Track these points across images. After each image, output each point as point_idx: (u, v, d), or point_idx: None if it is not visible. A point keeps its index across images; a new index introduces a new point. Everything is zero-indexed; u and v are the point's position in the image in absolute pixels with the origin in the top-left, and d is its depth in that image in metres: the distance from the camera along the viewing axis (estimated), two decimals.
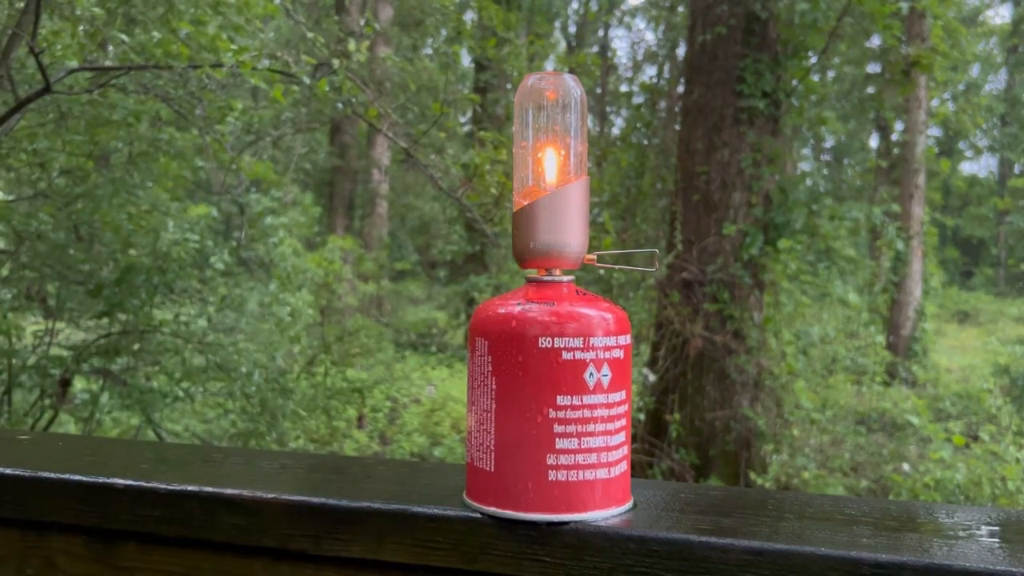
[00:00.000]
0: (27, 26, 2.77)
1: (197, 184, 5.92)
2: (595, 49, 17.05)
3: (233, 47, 2.99)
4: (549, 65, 7.05)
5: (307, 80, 3.13)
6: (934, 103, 10.31)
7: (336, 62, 3.15)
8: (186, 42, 3.09)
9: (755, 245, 4.93)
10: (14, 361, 3.96)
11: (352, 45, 3.24)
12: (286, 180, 6.72)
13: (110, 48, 3.83)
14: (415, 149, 3.38)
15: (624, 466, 0.61)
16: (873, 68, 10.66)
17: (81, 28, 3.13)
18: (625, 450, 0.62)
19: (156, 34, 3.18)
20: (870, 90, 12.02)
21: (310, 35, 3.23)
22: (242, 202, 6.12)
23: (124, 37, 3.27)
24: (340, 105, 3.30)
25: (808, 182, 5.44)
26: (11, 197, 4.35)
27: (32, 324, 4.67)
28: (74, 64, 3.17)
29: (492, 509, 0.60)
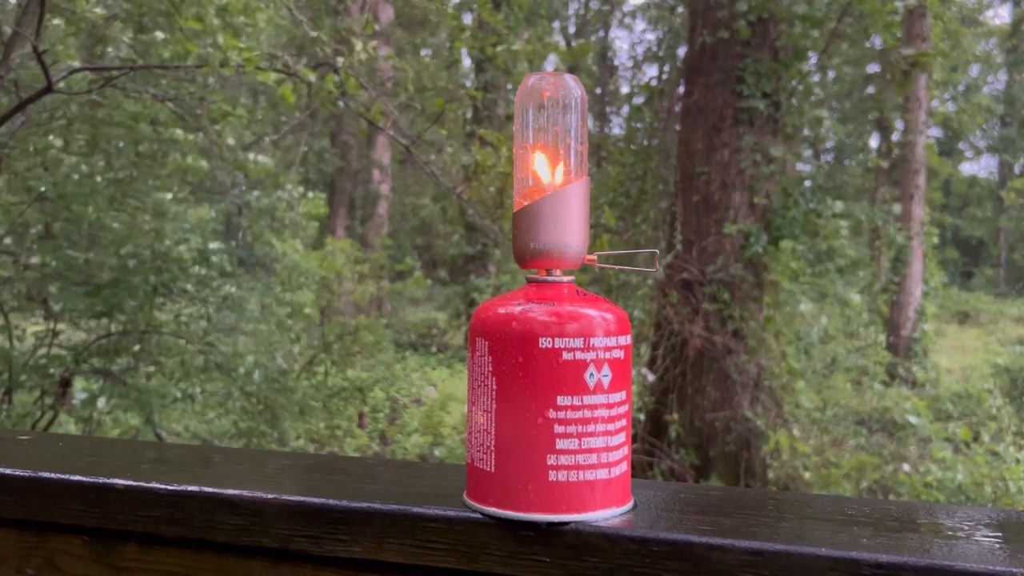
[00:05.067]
0: (30, 26, 2.77)
1: (198, 185, 5.93)
2: (596, 50, 17.05)
3: (241, 46, 2.99)
4: (549, 65, 7.05)
5: (312, 79, 3.13)
6: (934, 103, 10.31)
7: (341, 59, 3.16)
8: (191, 41, 3.10)
9: (756, 245, 4.93)
10: (14, 361, 3.96)
11: (360, 45, 3.25)
12: (292, 179, 6.73)
13: (109, 50, 3.83)
14: (417, 147, 3.38)
15: (624, 466, 0.61)
16: (873, 68, 10.66)
17: (83, 27, 3.14)
18: (625, 450, 0.62)
19: (159, 34, 3.19)
20: (870, 90, 12.02)
21: (313, 34, 3.23)
22: (239, 203, 6.12)
23: (125, 39, 3.28)
24: (341, 104, 3.31)
25: (808, 182, 5.44)
26: (13, 200, 4.36)
27: (33, 325, 4.67)
28: (76, 64, 3.17)
29: (492, 509, 0.60)
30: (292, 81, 3.27)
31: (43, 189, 4.04)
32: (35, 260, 4.31)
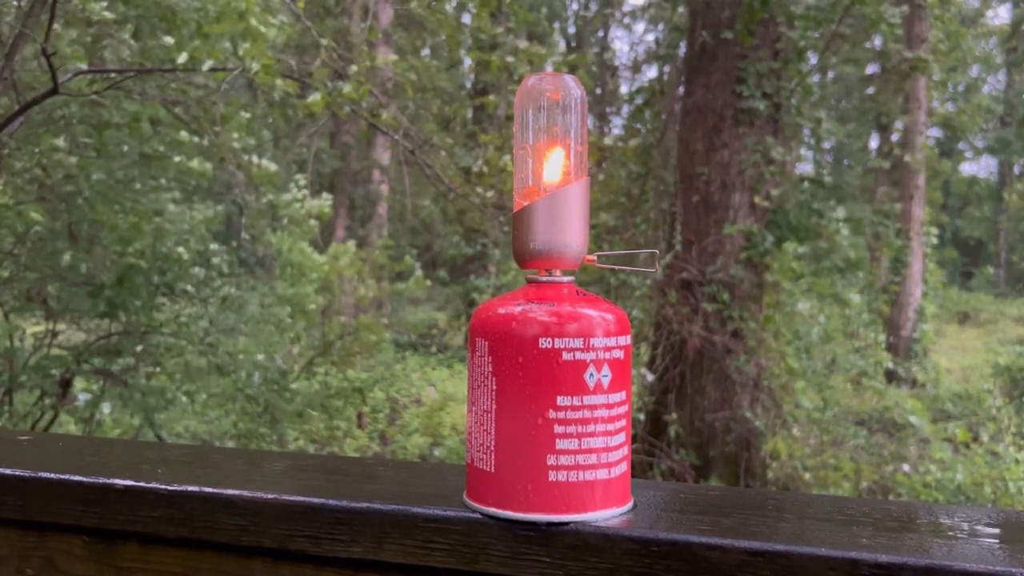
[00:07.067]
0: (39, 27, 2.78)
1: (198, 186, 5.94)
2: (595, 50, 17.07)
3: (268, 56, 3.01)
4: (549, 66, 7.04)
5: (330, 85, 3.16)
6: (934, 104, 10.32)
7: (355, 68, 3.18)
8: (205, 46, 3.11)
9: (756, 245, 4.93)
10: (15, 361, 3.96)
11: (382, 59, 3.29)
12: (301, 180, 6.74)
13: (108, 53, 3.84)
14: (425, 151, 3.41)
15: (624, 466, 0.61)
16: (872, 69, 10.66)
17: (89, 29, 3.15)
18: (625, 450, 0.62)
19: (169, 40, 3.20)
20: (870, 90, 12.02)
21: (324, 42, 3.24)
22: (241, 203, 6.12)
23: (132, 42, 3.29)
24: (348, 109, 3.33)
25: (808, 183, 5.44)
26: (12, 201, 4.36)
27: (33, 325, 4.67)
28: (84, 66, 3.18)
29: (492, 510, 0.60)
30: (299, 86, 3.29)
31: (69, 188, 4.04)
32: (36, 261, 4.31)
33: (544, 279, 0.62)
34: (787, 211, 4.99)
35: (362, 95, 3.21)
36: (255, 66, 2.92)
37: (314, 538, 0.63)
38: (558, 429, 0.58)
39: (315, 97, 3.18)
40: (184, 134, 4.49)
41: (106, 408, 4.16)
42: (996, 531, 0.59)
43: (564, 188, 0.62)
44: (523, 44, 4.62)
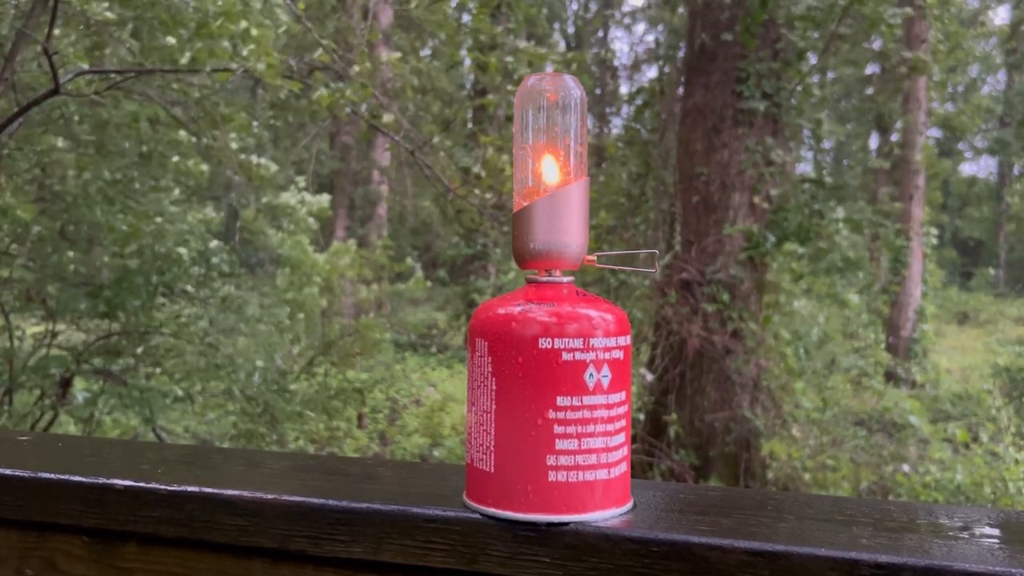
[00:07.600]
0: (40, 28, 2.78)
1: (197, 188, 5.94)
2: (595, 50, 17.06)
3: (273, 55, 3.02)
4: (548, 66, 7.04)
5: (332, 86, 3.17)
6: (934, 104, 10.32)
7: (356, 68, 3.19)
8: (208, 45, 3.12)
9: (756, 246, 4.93)
10: (15, 361, 3.96)
11: (385, 57, 3.31)
12: (301, 181, 6.74)
13: (108, 51, 3.85)
14: (425, 152, 3.41)
15: (624, 467, 0.61)
16: (872, 69, 10.66)
17: (90, 29, 3.15)
18: (625, 451, 0.62)
19: (171, 40, 3.21)
20: (870, 91, 12.03)
21: (323, 42, 3.25)
22: (236, 205, 6.13)
23: (134, 42, 3.30)
24: (349, 110, 3.34)
25: (808, 184, 5.44)
26: (14, 200, 4.36)
27: (33, 325, 4.67)
28: (85, 66, 3.18)
29: (492, 510, 0.60)
30: (299, 84, 3.30)
31: (58, 187, 4.04)
32: (35, 261, 4.31)
33: (544, 279, 0.62)
34: (787, 211, 4.99)
35: (364, 97, 3.22)
36: (260, 66, 2.93)
37: (314, 538, 0.63)
38: (558, 429, 0.58)
39: (321, 92, 3.18)
40: (183, 133, 4.50)
41: (103, 399, 4.15)
42: (996, 531, 0.59)
43: (564, 188, 0.62)
44: (523, 44, 4.63)
